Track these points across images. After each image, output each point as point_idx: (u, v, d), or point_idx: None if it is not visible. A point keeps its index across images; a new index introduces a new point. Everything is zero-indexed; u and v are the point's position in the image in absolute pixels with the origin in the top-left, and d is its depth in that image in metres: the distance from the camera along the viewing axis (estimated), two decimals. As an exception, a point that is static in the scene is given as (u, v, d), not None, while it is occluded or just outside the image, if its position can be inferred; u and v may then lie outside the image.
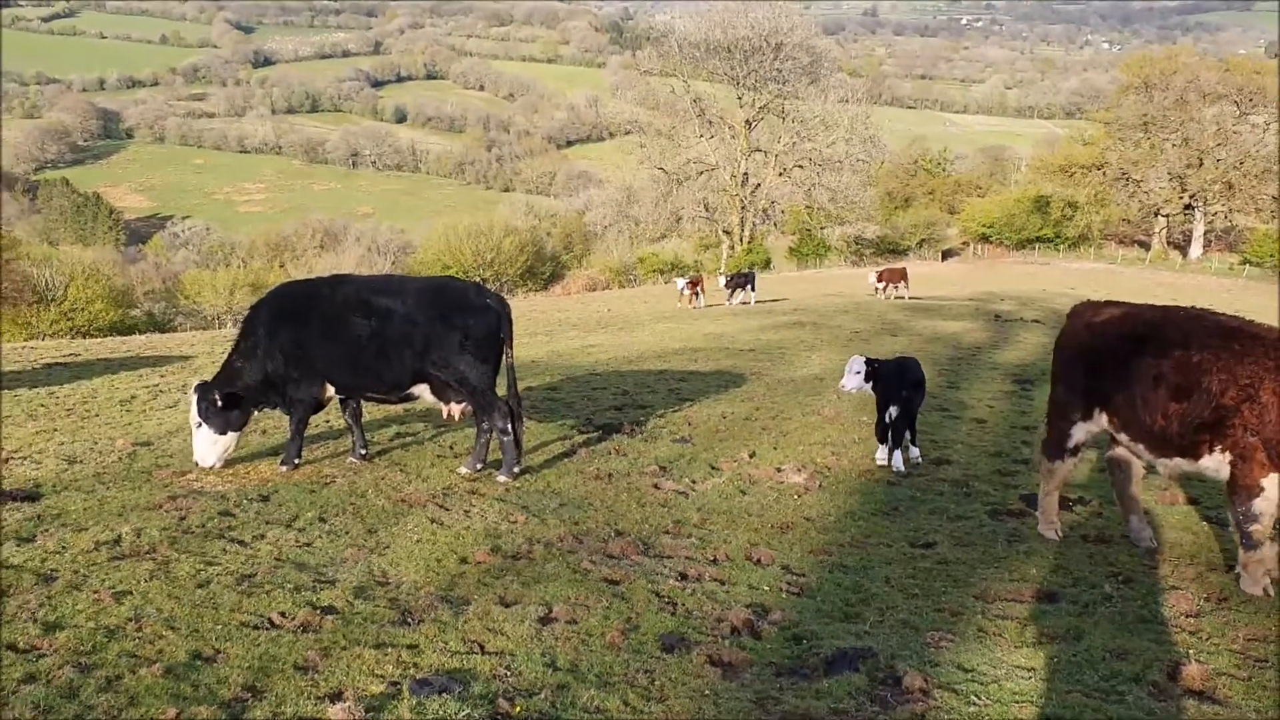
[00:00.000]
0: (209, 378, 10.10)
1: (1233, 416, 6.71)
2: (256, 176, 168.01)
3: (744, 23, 72.31)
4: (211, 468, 9.67)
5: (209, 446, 9.67)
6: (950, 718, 5.21)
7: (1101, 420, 7.84)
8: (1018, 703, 5.35)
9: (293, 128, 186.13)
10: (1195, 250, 77.08)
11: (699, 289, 36.44)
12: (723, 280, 37.27)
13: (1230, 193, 74.85)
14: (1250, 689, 5.54)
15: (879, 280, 38.72)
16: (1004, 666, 5.79)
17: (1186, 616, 6.56)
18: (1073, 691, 5.48)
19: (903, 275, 38.88)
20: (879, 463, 10.42)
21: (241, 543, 7.62)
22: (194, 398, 9.62)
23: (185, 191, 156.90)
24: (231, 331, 34.01)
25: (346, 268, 61.95)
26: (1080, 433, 8.04)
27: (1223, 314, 7.46)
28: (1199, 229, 77.46)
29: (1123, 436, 7.70)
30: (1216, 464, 6.96)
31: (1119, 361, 7.53)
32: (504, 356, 9.86)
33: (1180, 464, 7.28)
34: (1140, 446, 7.53)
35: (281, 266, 69.16)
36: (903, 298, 37.04)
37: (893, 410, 10.34)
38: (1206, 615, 6.58)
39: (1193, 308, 7.76)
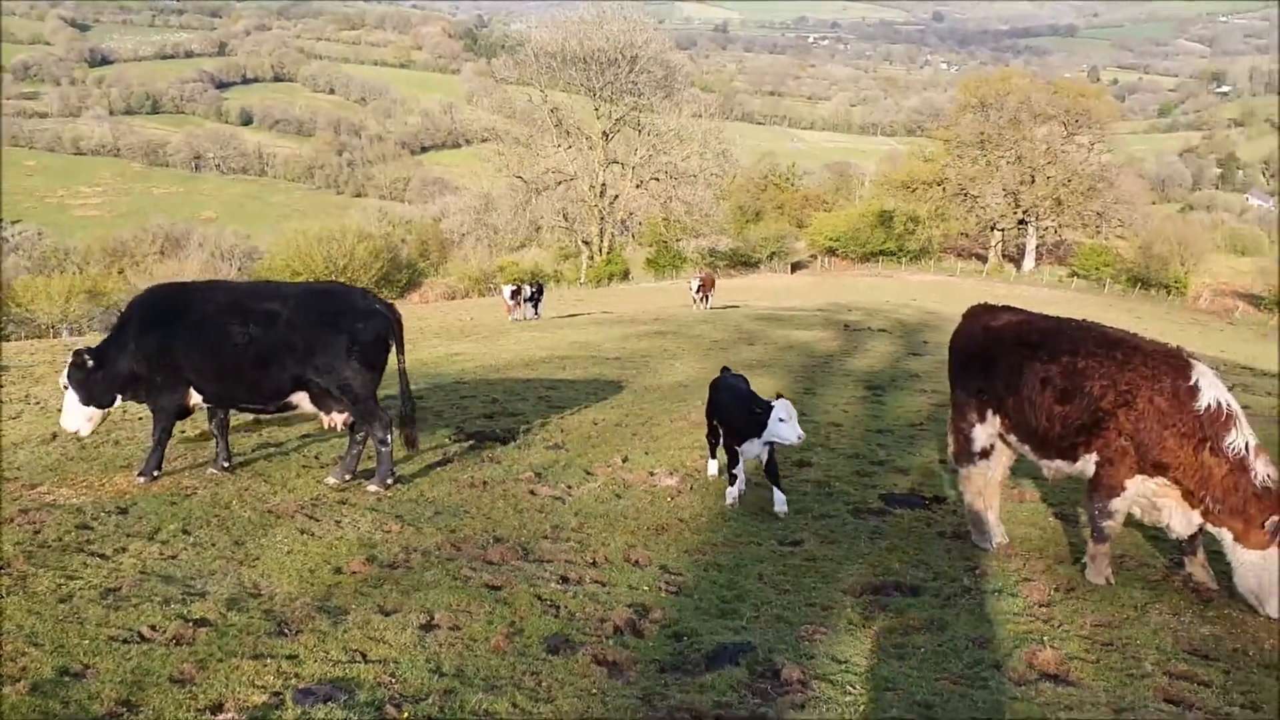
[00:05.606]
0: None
1: (1109, 420, 7.09)
2: (93, 179, 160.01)
3: (599, 34, 72.73)
4: (77, 433, 9.85)
5: (74, 412, 9.61)
6: (828, 707, 5.43)
7: (995, 423, 8.04)
8: (890, 690, 5.62)
9: (132, 129, 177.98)
10: (1028, 263, 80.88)
11: (518, 299, 34.52)
12: (509, 291, 35.45)
13: (1059, 209, 78.72)
14: (1099, 671, 5.94)
15: (697, 290, 37.76)
16: (875, 657, 6.06)
17: (1039, 606, 6.97)
18: (941, 679, 5.78)
19: (713, 283, 39.18)
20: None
21: (103, 556, 7.35)
22: (69, 359, 9.53)
23: (15, 195, 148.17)
24: (68, 340, 32.54)
25: (189, 274, 59.62)
26: (983, 435, 8.13)
27: (1110, 326, 7.82)
28: (1031, 243, 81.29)
29: (1012, 439, 7.97)
30: (1087, 465, 7.34)
31: (1011, 365, 7.77)
32: (399, 362, 9.76)
33: (1061, 466, 7.62)
34: (1026, 448, 7.86)
35: (121, 273, 66.13)
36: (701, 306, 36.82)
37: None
38: (1057, 604, 7.00)
39: (1084, 320, 8.06)
